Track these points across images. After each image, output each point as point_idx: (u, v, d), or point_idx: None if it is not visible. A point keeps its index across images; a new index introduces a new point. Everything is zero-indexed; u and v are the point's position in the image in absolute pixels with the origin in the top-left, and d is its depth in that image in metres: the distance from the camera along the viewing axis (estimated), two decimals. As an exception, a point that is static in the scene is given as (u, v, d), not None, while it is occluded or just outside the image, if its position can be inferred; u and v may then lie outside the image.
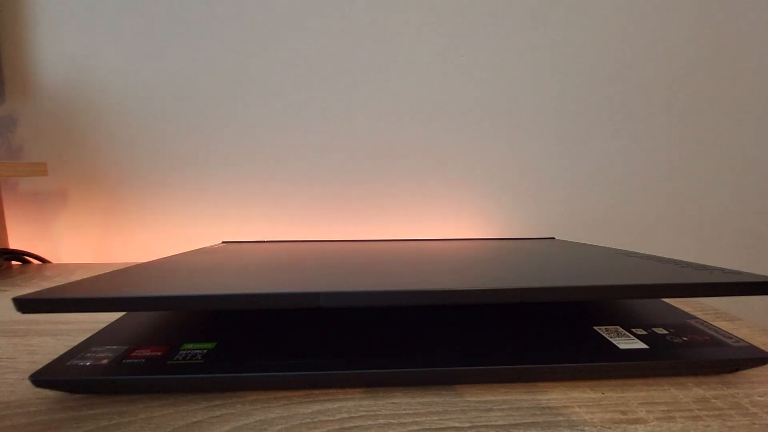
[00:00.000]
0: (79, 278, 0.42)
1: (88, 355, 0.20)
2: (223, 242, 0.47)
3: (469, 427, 0.17)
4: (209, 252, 0.35)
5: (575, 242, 0.43)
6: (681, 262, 0.26)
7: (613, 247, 0.36)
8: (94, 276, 0.22)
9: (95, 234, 0.55)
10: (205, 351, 0.21)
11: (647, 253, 0.58)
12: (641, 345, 0.21)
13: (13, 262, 0.48)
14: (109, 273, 0.24)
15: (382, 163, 0.55)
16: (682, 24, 0.54)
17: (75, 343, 0.22)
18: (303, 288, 0.18)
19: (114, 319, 0.26)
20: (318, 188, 0.55)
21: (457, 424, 0.17)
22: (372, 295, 0.18)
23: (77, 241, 0.55)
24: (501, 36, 0.53)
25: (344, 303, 0.17)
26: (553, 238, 0.49)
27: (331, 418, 0.18)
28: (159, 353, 0.20)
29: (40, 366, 0.19)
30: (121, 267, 0.46)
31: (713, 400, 0.19)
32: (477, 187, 0.56)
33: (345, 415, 0.18)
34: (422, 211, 0.56)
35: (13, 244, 0.52)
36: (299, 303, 0.17)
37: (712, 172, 0.57)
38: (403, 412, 0.18)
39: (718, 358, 0.21)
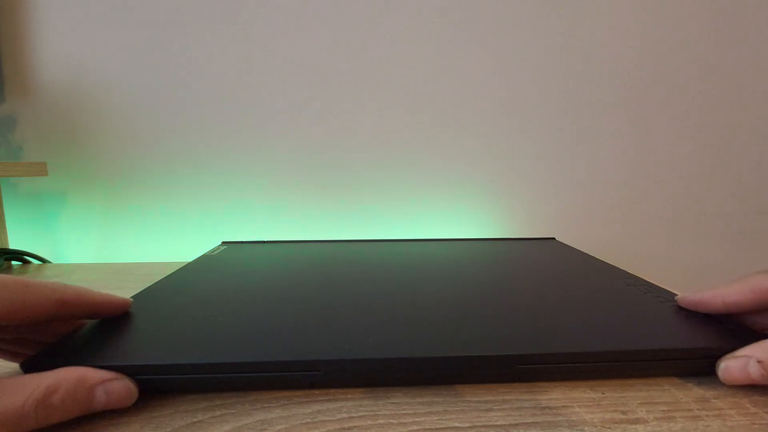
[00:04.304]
0: (78, 279, 0.42)
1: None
2: (223, 243, 0.47)
3: (469, 427, 0.17)
4: (208, 267, 0.35)
5: (573, 250, 0.43)
6: (668, 298, 0.27)
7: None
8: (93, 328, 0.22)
9: (95, 234, 0.55)
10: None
11: (647, 254, 0.58)
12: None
13: (13, 262, 0.48)
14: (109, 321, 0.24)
15: (381, 162, 0.55)
16: (683, 24, 0.54)
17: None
18: (302, 355, 0.19)
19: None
20: (318, 187, 0.55)
21: (457, 424, 0.17)
22: (370, 363, 0.19)
23: (77, 241, 0.55)
24: (501, 34, 0.53)
25: (343, 368, 0.19)
26: (554, 238, 0.49)
27: (331, 418, 0.18)
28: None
29: (40, 366, 0.19)
30: (121, 267, 0.46)
31: (713, 400, 0.19)
32: (477, 186, 0.56)
33: (345, 415, 0.18)
34: (422, 210, 0.56)
35: (13, 244, 0.52)
36: (300, 369, 0.19)
37: (712, 172, 0.57)
38: (403, 412, 0.18)
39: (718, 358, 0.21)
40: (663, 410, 0.18)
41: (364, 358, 0.19)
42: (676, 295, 0.26)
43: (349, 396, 0.19)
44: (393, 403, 0.19)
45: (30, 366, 0.18)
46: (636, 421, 0.17)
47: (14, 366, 0.21)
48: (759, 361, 0.18)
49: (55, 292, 0.18)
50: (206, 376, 0.19)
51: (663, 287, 0.29)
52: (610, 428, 0.17)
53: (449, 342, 0.21)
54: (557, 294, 0.29)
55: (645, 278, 0.31)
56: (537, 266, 0.37)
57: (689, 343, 0.21)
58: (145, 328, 0.22)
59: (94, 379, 0.17)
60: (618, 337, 0.22)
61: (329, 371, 0.19)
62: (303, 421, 0.17)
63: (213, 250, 0.42)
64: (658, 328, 0.23)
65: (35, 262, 0.49)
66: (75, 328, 0.22)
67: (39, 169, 0.47)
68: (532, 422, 0.17)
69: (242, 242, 0.47)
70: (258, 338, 0.21)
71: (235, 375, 0.19)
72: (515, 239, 0.49)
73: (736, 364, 0.19)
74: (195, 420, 0.17)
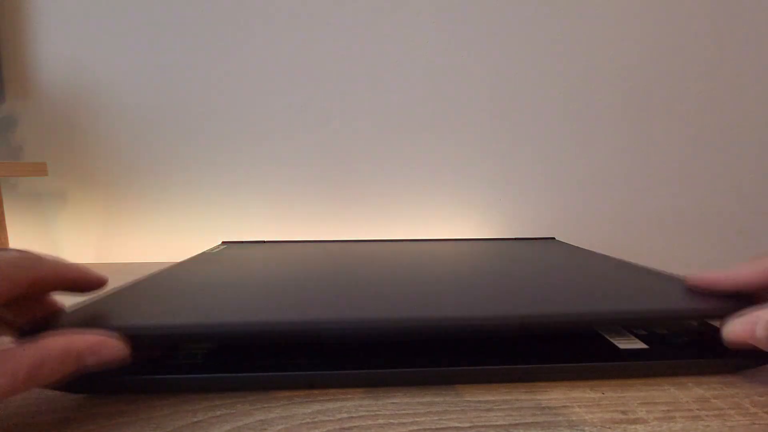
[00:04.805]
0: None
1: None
2: (223, 242, 0.47)
3: (469, 427, 0.17)
4: (208, 261, 0.35)
5: (574, 247, 0.43)
6: (676, 279, 0.27)
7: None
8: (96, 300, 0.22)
9: (95, 234, 0.55)
10: (204, 351, 0.21)
11: (647, 254, 0.58)
12: (641, 345, 0.21)
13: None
14: (115, 293, 0.24)
15: (382, 162, 0.55)
16: (683, 25, 0.54)
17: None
18: (303, 317, 0.19)
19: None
20: (318, 188, 0.55)
21: (457, 424, 0.17)
22: (370, 323, 0.19)
23: (77, 241, 0.55)
24: (502, 34, 0.53)
25: (342, 334, 0.19)
26: (554, 238, 0.49)
27: (331, 418, 0.18)
28: (159, 353, 0.20)
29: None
30: (121, 267, 0.46)
31: (713, 400, 0.19)
32: (477, 186, 0.56)
33: (345, 415, 0.18)
34: (422, 211, 0.56)
35: (13, 244, 0.52)
36: (300, 334, 0.19)
37: (712, 172, 0.57)
38: (403, 412, 0.18)
39: (718, 358, 0.21)
40: (663, 410, 0.18)
41: (364, 318, 0.20)
42: (684, 277, 0.26)
43: (349, 396, 0.19)
44: (393, 403, 0.19)
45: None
46: (636, 421, 0.17)
47: None
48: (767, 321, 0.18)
49: (29, 270, 0.18)
50: (208, 376, 0.19)
51: None
52: (610, 428, 0.17)
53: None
54: (561, 278, 0.29)
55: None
56: (539, 261, 0.37)
57: (699, 304, 0.21)
58: (142, 301, 0.23)
59: (79, 347, 0.16)
60: (627, 302, 0.22)
61: (330, 336, 0.19)
62: (303, 421, 0.17)
63: (213, 249, 0.42)
64: (666, 296, 0.23)
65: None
66: (53, 311, 0.21)
67: (39, 169, 0.47)
68: (532, 422, 0.17)
69: (242, 242, 0.47)
70: (257, 313, 0.21)
71: (236, 374, 0.19)
72: (515, 239, 0.49)
73: (741, 322, 0.19)
74: (195, 420, 0.17)
